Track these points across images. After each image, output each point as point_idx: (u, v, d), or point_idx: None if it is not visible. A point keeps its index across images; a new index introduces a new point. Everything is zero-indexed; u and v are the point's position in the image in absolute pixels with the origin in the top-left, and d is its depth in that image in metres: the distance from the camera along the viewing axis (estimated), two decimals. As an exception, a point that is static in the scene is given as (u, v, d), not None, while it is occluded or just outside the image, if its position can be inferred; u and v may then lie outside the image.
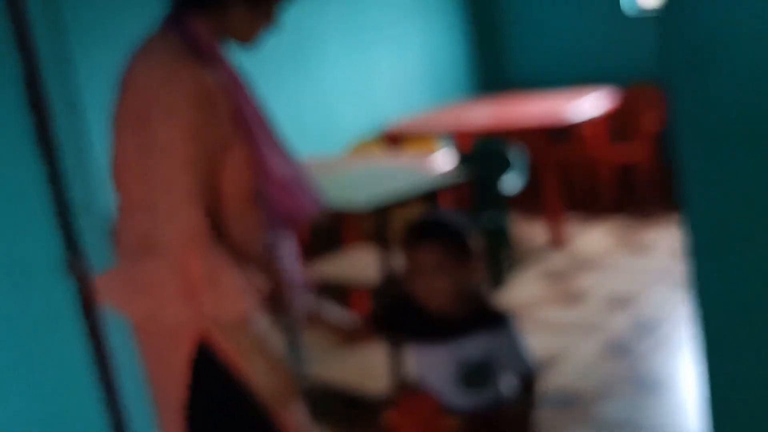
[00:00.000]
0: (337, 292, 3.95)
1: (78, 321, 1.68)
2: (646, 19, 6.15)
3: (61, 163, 1.63)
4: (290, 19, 5.42)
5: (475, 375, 2.12)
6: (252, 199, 1.80)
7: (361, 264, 3.49)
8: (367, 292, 3.83)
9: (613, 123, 5.86)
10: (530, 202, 6.11)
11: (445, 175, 3.58)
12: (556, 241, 5.12)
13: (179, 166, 1.61)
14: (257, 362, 1.72)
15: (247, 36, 1.79)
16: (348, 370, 3.56)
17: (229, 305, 1.64)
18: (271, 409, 1.79)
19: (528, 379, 2.11)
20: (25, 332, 1.61)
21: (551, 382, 3.36)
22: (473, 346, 2.05)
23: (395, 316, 2.20)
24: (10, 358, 1.58)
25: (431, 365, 2.16)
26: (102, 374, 1.71)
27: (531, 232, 5.48)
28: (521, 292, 4.41)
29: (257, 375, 1.73)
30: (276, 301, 1.94)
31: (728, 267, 0.71)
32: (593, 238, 5.15)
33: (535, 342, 3.74)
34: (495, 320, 2.06)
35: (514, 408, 2.11)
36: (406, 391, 2.27)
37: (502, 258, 4.57)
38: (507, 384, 2.12)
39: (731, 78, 0.67)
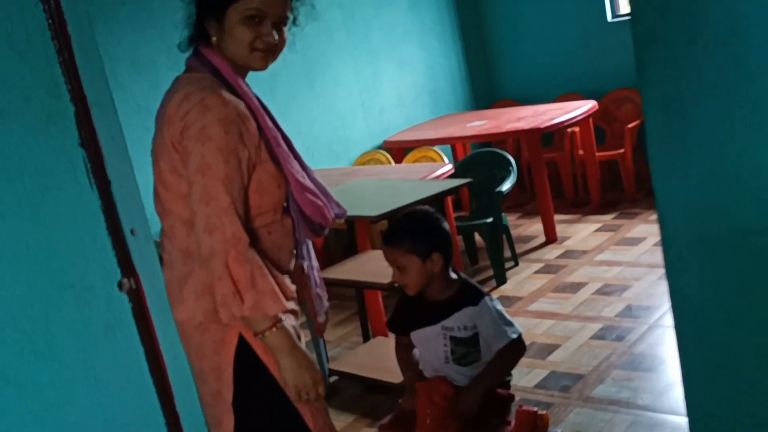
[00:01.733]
0: (353, 292, 4.05)
1: (133, 331, 1.77)
2: (625, 23, 6.24)
3: (112, 193, 1.72)
4: (301, 43, 5.55)
5: (466, 354, 2.30)
6: (281, 210, 1.91)
7: (373, 267, 3.58)
8: (379, 292, 3.92)
9: (597, 124, 5.95)
10: (525, 202, 6.21)
11: (446, 181, 3.67)
12: (551, 238, 5.20)
13: (218, 183, 1.72)
14: (286, 360, 1.80)
15: (251, 60, 1.85)
16: (367, 365, 3.64)
17: (265, 306, 1.73)
18: (299, 404, 1.87)
19: (510, 346, 2.28)
20: (86, 342, 1.69)
21: (552, 368, 3.45)
22: (459, 321, 2.28)
23: (401, 312, 2.47)
24: (75, 365, 1.67)
25: (429, 347, 2.37)
26: (157, 379, 1.80)
27: (527, 230, 5.56)
28: (522, 287, 4.49)
29: (286, 372, 1.81)
30: (301, 304, 2.05)
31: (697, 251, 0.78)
32: (585, 234, 5.22)
33: (537, 331, 3.84)
34: (475, 296, 2.30)
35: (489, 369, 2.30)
36: (423, 378, 2.38)
37: (502, 256, 4.66)
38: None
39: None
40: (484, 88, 7.02)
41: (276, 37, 1.85)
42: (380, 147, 5.96)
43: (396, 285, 2.41)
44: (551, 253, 4.99)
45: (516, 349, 2.30)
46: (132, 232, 1.75)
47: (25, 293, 1.57)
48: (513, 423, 2.33)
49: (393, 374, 3.47)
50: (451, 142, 5.90)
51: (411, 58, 6.42)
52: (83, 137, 1.67)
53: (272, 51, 1.87)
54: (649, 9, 0.72)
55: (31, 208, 1.59)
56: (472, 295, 2.31)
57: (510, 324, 2.30)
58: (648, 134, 0.78)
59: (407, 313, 2.43)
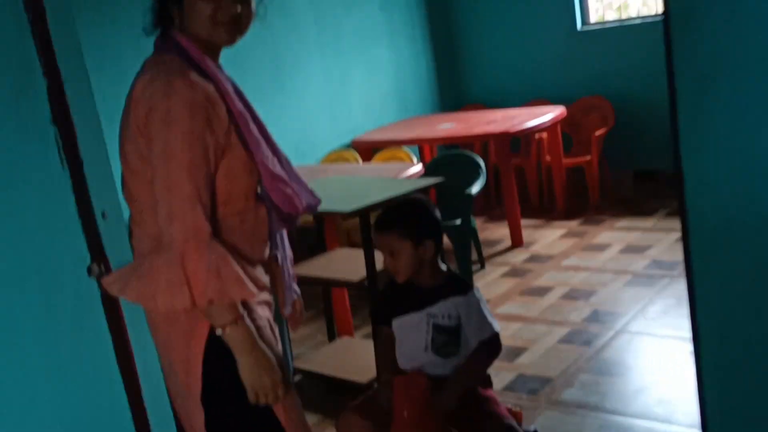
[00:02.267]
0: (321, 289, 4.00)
1: (101, 319, 1.69)
2: (594, 32, 6.29)
3: (84, 174, 1.65)
4: (270, 39, 5.49)
5: (446, 344, 2.32)
6: (253, 197, 1.84)
7: (342, 264, 3.53)
8: (346, 292, 3.87)
9: (564, 131, 5.98)
10: (492, 206, 6.21)
11: (417, 180, 3.64)
12: (517, 242, 5.20)
13: (181, 170, 1.64)
14: (245, 359, 1.74)
15: (216, 35, 1.77)
16: (331, 364, 3.59)
17: (231, 292, 1.67)
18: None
19: (490, 342, 2.31)
20: (51, 328, 1.62)
21: (519, 371, 3.43)
22: (445, 310, 2.31)
23: (384, 301, 2.48)
24: (38, 353, 1.60)
25: (410, 334, 2.37)
26: (124, 369, 1.73)
27: (493, 234, 5.56)
28: (489, 289, 4.47)
29: (244, 372, 1.75)
30: (272, 296, 1.98)
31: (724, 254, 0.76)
32: (550, 239, 5.23)
33: (504, 333, 3.82)
34: (463, 287, 2.35)
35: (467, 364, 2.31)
36: (399, 372, 2.36)
37: (470, 259, 4.63)
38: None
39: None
40: (453, 92, 7.02)
41: (239, 8, 1.77)
42: (348, 146, 5.90)
43: (392, 270, 2.36)
44: (518, 257, 4.99)
45: (496, 344, 2.33)
46: (103, 215, 1.68)
47: (-13, 276, 1.50)
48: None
49: (358, 374, 3.43)
50: (422, 142, 5.87)
51: (380, 59, 6.38)
52: (55, 114, 1.60)
53: (237, 23, 1.78)
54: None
55: (-2, 185, 1.51)
56: (460, 285, 2.36)
57: (492, 319, 2.33)
58: (680, 114, 0.75)
59: (391, 301, 2.44)
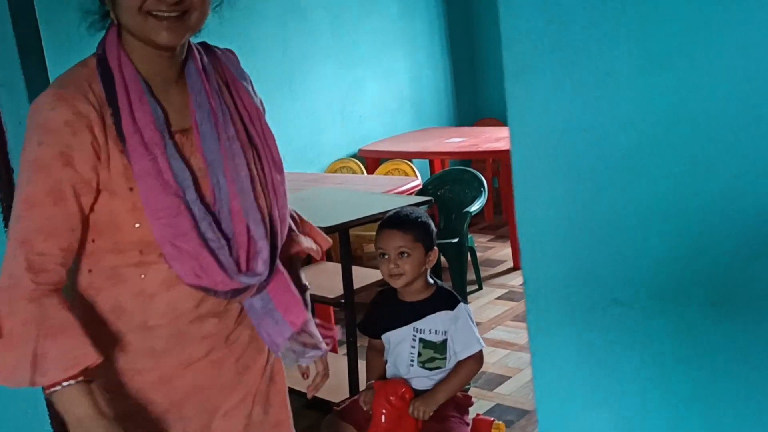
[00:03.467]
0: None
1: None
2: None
3: (13, 182, 1.62)
4: (283, 41, 5.48)
5: (432, 358, 2.37)
6: (157, 251, 1.41)
7: (323, 279, 3.48)
8: (331, 309, 3.82)
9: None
10: (499, 225, 6.12)
11: (407, 198, 3.58)
12: (518, 265, 5.11)
13: (21, 203, 1.33)
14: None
15: (148, 31, 1.34)
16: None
17: (19, 372, 1.31)
18: None
19: (477, 356, 2.35)
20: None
21: (498, 400, 3.35)
22: (432, 324, 2.34)
23: (374, 314, 2.53)
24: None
25: (398, 350, 2.42)
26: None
27: (496, 254, 5.48)
28: (481, 312, 4.38)
29: None
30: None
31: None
32: (554, 263, 5.14)
33: (489, 360, 3.74)
34: (452, 301, 2.37)
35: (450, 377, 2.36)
36: (380, 379, 2.43)
37: (465, 278, 4.56)
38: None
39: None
40: (469, 105, 6.95)
41: None
42: (355, 155, 5.86)
43: (395, 274, 2.36)
44: (517, 280, 4.90)
45: (480, 360, 2.37)
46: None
47: None
48: (470, 426, 2.40)
49: (334, 393, 3.37)
50: (427, 156, 5.82)
51: (397, 67, 6.33)
52: (-15, 118, 1.58)
53: (177, 19, 1.35)
54: (521, 39, 0.63)
55: None
56: (448, 300, 2.38)
57: (478, 338, 2.36)
58: (514, 179, 0.69)
59: (381, 314, 2.48)
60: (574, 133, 0.63)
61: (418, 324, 2.35)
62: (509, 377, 3.56)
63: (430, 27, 6.59)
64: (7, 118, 1.61)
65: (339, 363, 3.64)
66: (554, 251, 0.70)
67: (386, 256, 2.35)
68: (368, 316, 2.55)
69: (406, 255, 2.32)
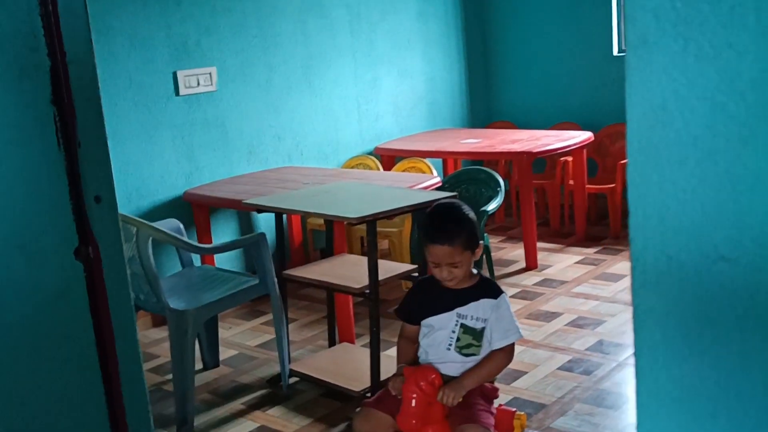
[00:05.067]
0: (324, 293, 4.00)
1: (84, 303, 1.71)
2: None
3: (80, 156, 1.67)
4: (303, 37, 5.54)
5: (469, 345, 2.43)
6: None
7: (347, 270, 3.54)
8: (350, 299, 3.87)
9: (590, 156, 5.94)
10: (510, 226, 6.18)
11: (431, 192, 3.63)
12: (531, 265, 5.17)
13: None
14: None
15: None
16: (328, 370, 3.59)
17: None
18: None
19: (511, 347, 2.43)
20: (30, 307, 1.64)
21: (516, 394, 3.40)
22: (475, 311, 2.41)
23: (413, 300, 2.56)
24: (16, 330, 1.62)
25: (437, 334, 2.47)
26: (102, 356, 1.74)
27: (508, 254, 5.53)
28: (495, 309, 4.44)
29: None
30: None
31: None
32: (565, 264, 5.19)
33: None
34: (495, 290, 2.46)
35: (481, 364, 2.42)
36: (411, 366, 2.48)
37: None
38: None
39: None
40: (483, 107, 7.01)
41: None
42: (371, 153, 5.92)
43: (447, 279, 2.42)
44: (529, 279, 4.95)
45: (510, 355, 2.45)
46: (96, 199, 1.70)
47: (-28, 247, 1.52)
48: (495, 414, 2.46)
49: (353, 382, 3.43)
50: (443, 156, 5.89)
51: (413, 67, 6.39)
52: (56, 94, 1.62)
53: None
54: (645, 13, 0.68)
55: (-9, 160, 1.53)
56: (491, 289, 2.47)
57: (517, 327, 2.43)
58: (628, 143, 0.75)
59: (422, 300, 2.53)
60: (691, 101, 0.68)
61: (461, 310, 2.43)
62: (526, 372, 3.61)
63: (447, 28, 6.65)
64: (77, 94, 1.66)
65: (360, 354, 3.70)
66: (661, 211, 0.75)
67: (437, 265, 2.40)
68: (408, 301, 2.60)
69: (455, 264, 2.38)
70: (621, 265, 5.06)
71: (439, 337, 2.46)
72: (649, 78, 0.70)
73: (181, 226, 3.82)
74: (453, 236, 2.36)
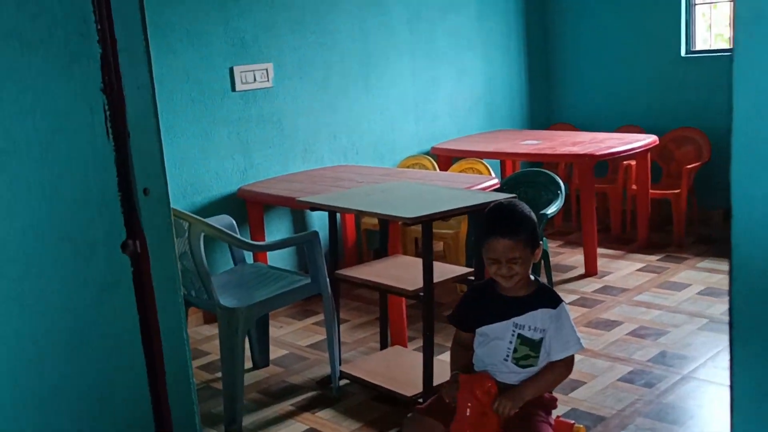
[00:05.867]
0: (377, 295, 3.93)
1: (130, 296, 1.67)
2: (699, 59, 6.03)
3: (130, 147, 1.63)
4: (361, 35, 5.50)
5: (527, 356, 2.32)
6: None
7: (401, 272, 3.46)
8: (403, 301, 3.79)
9: (654, 161, 5.75)
10: (569, 231, 6.03)
11: (489, 194, 3.53)
12: (590, 271, 5.02)
13: None
14: None
15: None
16: (380, 373, 3.52)
17: None
18: None
19: (570, 359, 2.31)
20: (77, 299, 1.60)
21: (573, 405, 3.28)
22: (533, 321, 2.28)
23: (467, 306, 2.45)
24: (61, 322, 1.58)
25: (493, 344, 2.36)
26: (148, 351, 1.70)
27: (567, 260, 5.39)
28: (552, 316, 4.31)
29: None
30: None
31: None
32: (626, 271, 5.03)
33: (562, 365, 3.67)
34: (554, 299, 2.31)
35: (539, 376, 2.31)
36: (465, 372, 2.38)
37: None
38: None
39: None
40: (543, 109, 6.86)
41: None
42: (427, 153, 5.83)
43: (506, 276, 2.29)
44: (589, 286, 4.81)
45: (570, 366, 2.33)
46: (145, 191, 1.65)
47: (18, 237, 1.48)
48: (553, 425, 2.35)
49: (405, 386, 3.35)
50: (502, 157, 5.77)
51: (472, 67, 6.28)
52: (106, 82, 1.58)
53: None
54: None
55: (39, 148, 1.50)
56: (550, 298, 2.32)
57: (578, 337, 2.30)
58: (734, 137, 0.65)
59: (477, 307, 2.42)
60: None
61: (518, 319, 2.30)
62: (584, 382, 3.48)
63: (507, 28, 6.53)
64: (127, 83, 1.62)
65: (412, 357, 3.62)
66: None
67: (496, 261, 2.28)
68: (462, 308, 2.49)
69: (515, 261, 2.26)
70: (685, 274, 4.88)
71: (495, 347, 2.34)
72: (762, 59, 0.61)
73: (234, 222, 3.79)
74: (514, 230, 2.25)
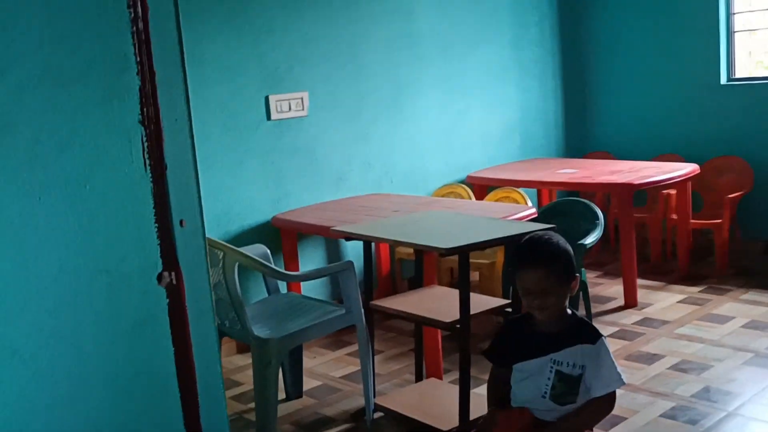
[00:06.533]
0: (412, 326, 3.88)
1: (165, 329, 1.66)
2: (739, 87, 5.95)
3: (167, 179, 1.63)
4: (393, 65, 5.51)
5: (565, 393, 2.25)
6: None
7: (436, 303, 3.42)
8: (439, 332, 3.74)
9: (694, 190, 5.67)
10: (606, 261, 5.94)
11: (526, 224, 3.49)
12: (630, 302, 4.93)
13: None
14: None
15: None
16: (415, 406, 3.47)
17: None
18: None
19: (611, 395, 2.25)
20: (112, 333, 1.59)
21: (614, 442, 3.21)
22: (571, 357, 2.22)
23: (503, 341, 2.41)
24: (96, 356, 1.57)
25: (530, 381, 2.30)
26: (183, 386, 1.68)
27: (605, 291, 5.30)
28: (590, 349, 4.23)
29: None
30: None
31: None
32: (667, 303, 4.94)
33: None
34: (593, 335, 2.25)
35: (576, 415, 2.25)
36: (502, 408, 2.35)
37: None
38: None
39: None
40: (579, 137, 6.81)
41: None
42: (462, 181, 5.80)
43: (535, 310, 2.25)
44: (629, 318, 4.72)
45: (612, 404, 2.27)
46: (181, 223, 1.65)
47: (54, 271, 1.48)
48: None
49: (440, 420, 3.30)
50: (539, 186, 5.73)
51: (506, 96, 6.26)
52: (145, 115, 1.58)
53: None
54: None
55: (76, 180, 1.50)
56: (588, 333, 2.26)
57: (620, 373, 2.24)
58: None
59: (512, 343, 2.36)
60: None
61: (556, 356, 2.23)
62: (625, 418, 3.40)
63: (542, 57, 6.51)
64: (166, 116, 1.62)
65: (448, 390, 3.57)
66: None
67: (529, 292, 2.23)
68: (497, 343, 2.44)
69: (548, 292, 2.20)
70: (728, 306, 4.78)
71: (532, 384, 2.28)
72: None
73: (268, 251, 3.79)
74: (546, 261, 2.20)
